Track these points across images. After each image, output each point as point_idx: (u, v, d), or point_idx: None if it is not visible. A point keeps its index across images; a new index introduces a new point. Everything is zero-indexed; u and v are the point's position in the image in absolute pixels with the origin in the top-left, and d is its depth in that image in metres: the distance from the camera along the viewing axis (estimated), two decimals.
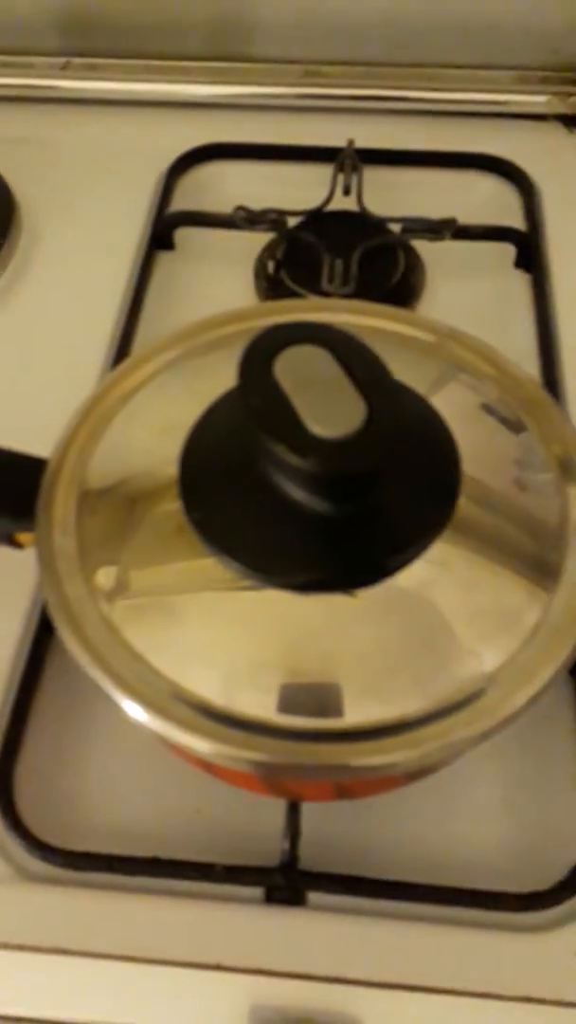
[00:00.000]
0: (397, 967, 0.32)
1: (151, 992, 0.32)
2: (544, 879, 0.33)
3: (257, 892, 0.33)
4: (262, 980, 0.31)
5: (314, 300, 0.39)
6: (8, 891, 0.33)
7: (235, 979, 0.31)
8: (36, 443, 0.33)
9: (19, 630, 0.39)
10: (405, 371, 0.33)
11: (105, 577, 0.29)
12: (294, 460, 0.24)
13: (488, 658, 0.27)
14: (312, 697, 0.26)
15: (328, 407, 0.25)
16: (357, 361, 0.26)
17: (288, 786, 0.31)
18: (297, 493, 0.26)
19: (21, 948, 0.32)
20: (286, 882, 0.33)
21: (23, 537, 0.33)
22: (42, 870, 0.34)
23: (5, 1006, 0.32)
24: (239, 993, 0.31)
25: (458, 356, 0.35)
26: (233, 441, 0.29)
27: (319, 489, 0.26)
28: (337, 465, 0.24)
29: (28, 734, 0.37)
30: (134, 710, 0.26)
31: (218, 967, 0.32)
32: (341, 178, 0.55)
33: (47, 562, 0.29)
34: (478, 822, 0.35)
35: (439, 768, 0.32)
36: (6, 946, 0.32)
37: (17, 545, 0.33)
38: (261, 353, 0.26)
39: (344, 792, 0.32)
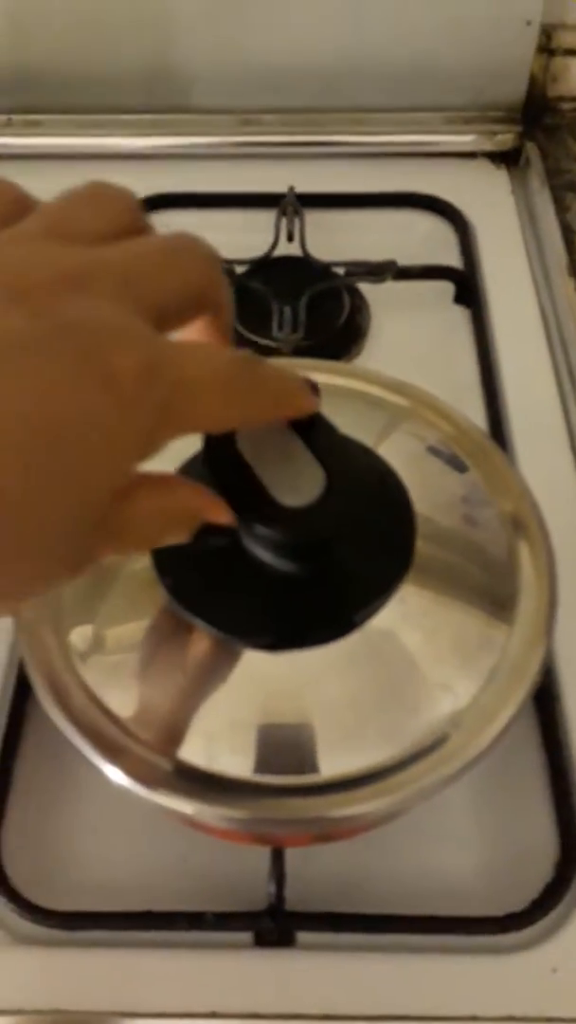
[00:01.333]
0: (385, 999, 0.33)
1: None
2: (520, 900, 0.35)
3: (247, 936, 0.34)
4: None
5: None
6: (2, 956, 0.34)
7: None
8: None
9: None
10: (353, 422, 0.34)
11: (82, 639, 0.30)
12: (263, 531, 0.26)
13: (452, 701, 0.29)
14: (288, 753, 0.28)
15: (289, 475, 0.26)
16: (312, 429, 0.27)
17: (269, 836, 0.32)
18: (264, 555, 0.28)
19: (20, 1012, 0.33)
20: (275, 925, 0.34)
21: None
22: (34, 932, 0.34)
23: None
24: None
25: (404, 406, 0.36)
26: None
27: (285, 553, 0.27)
28: (304, 532, 0.26)
29: (11, 797, 0.37)
30: (119, 777, 0.27)
31: (213, 1015, 0.33)
32: (284, 224, 0.57)
33: (27, 635, 0.30)
34: (454, 850, 0.36)
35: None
36: (3, 1012, 0.33)
37: None
38: None
39: (323, 838, 0.33)
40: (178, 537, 0.23)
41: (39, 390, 0.17)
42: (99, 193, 0.23)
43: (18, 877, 0.35)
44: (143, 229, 0.23)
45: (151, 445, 0.20)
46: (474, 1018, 0.32)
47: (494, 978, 0.33)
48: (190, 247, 0.22)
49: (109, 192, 0.23)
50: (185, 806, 0.27)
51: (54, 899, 0.35)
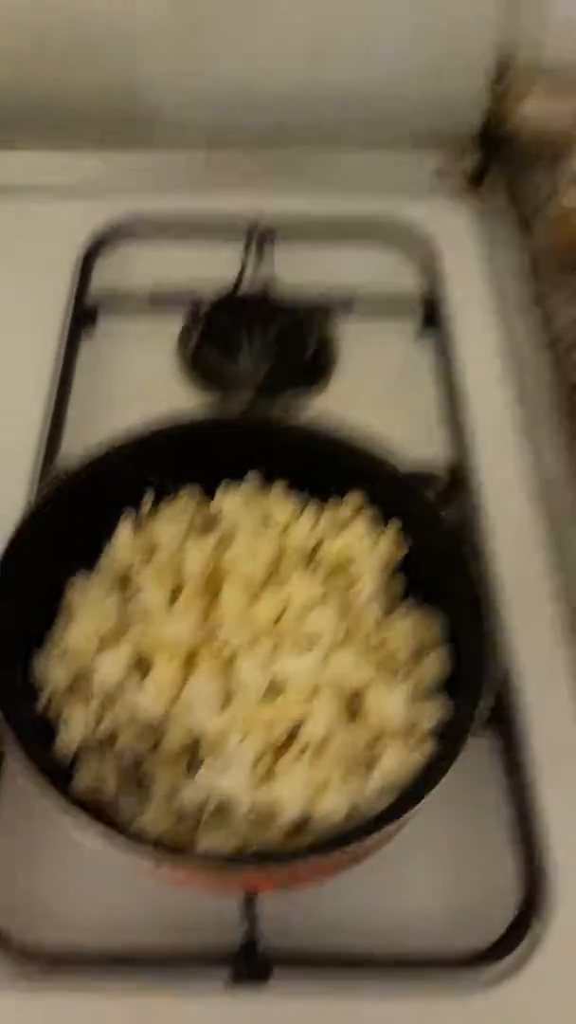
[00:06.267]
0: None
1: None
2: (486, 938, 0.35)
3: (223, 975, 0.35)
4: None
5: None
6: None
7: None
8: None
9: None
10: None
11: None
12: None
13: None
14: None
15: None
16: None
17: (233, 883, 0.33)
18: None
19: None
20: (247, 965, 0.34)
21: None
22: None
23: None
24: None
25: None
26: None
27: None
28: None
29: None
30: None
31: None
32: (252, 256, 0.57)
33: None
34: (423, 889, 0.37)
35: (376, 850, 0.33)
36: None
37: None
38: None
39: (287, 885, 0.34)
40: None
41: None
42: None
43: None
44: None
45: None
46: None
47: (463, 1017, 0.34)
48: None
49: None
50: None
51: (26, 940, 0.35)
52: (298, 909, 0.36)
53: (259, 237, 0.57)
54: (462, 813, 0.37)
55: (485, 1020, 0.33)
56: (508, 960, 0.34)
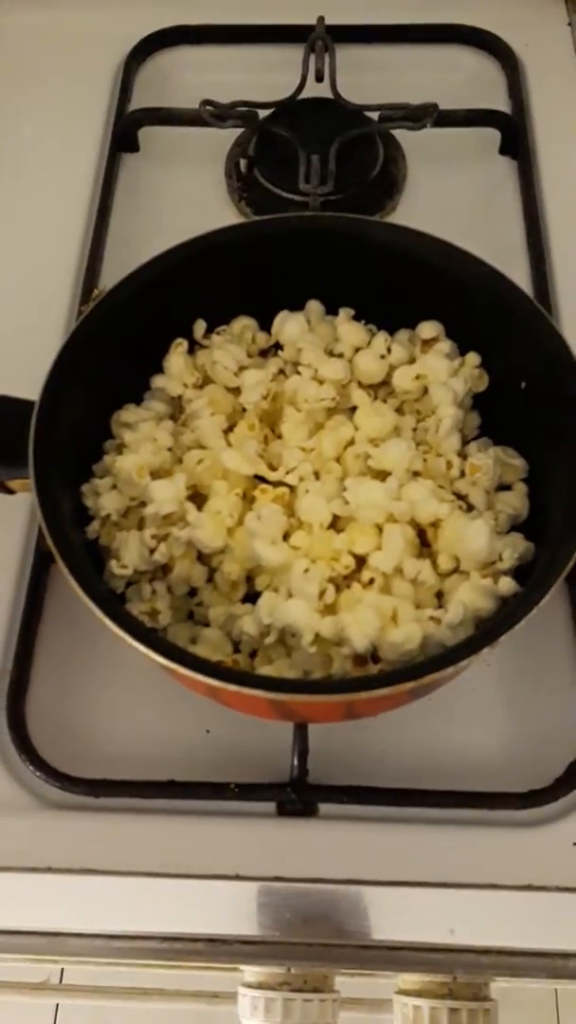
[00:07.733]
0: (406, 867, 0.33)
1: (175, 903, 0.33)
2: (543, 777, 0.35)
3: (270, 806, 0.35)
4: (278, 886, 0.33)
5: None
6: (34, 819, 0.35)
7: (252, 886, 0.33)
8: (15, 379, 0.33)
9: (16, 569, 0.39)
10: None
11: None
12: None
13: None
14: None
15: None
16: None
17: (295, 710, 0.32)
18: None
19: (50, 870, 0.34)
20: (297, 796, 0.34)
21: (15, 484, 0.32)
22: (63, 798, 0.35)
23: (41, 923, 0.33)
24: (256, 898, 0.33)
25: None
26: None
27: None
28: None
29: (35, 669, 0.37)
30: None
31: (237, 877, 0.33)
32: (312, 62, 0.51)
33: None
34: (479, 728, 0.36)
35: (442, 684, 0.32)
36: (37, 869, 0.34)
37: (8, 491, 0.33)
38: None
39: (351, 713, 0.33)
40: None
41: None
42: None
43: (45, 746, 0.36)
44: None
45: None
46: (494, 887, 0.33)
47: (515, 850, 0.34)
48: None
49: None
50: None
51: (81, 767, 0.35)
52: (349, 743, 0.36)
53: (322, 43, 0.51)
54: (523, 650, 0.36)
55: (540, 856, 0.33)
56: (567, 799, 0.34)
